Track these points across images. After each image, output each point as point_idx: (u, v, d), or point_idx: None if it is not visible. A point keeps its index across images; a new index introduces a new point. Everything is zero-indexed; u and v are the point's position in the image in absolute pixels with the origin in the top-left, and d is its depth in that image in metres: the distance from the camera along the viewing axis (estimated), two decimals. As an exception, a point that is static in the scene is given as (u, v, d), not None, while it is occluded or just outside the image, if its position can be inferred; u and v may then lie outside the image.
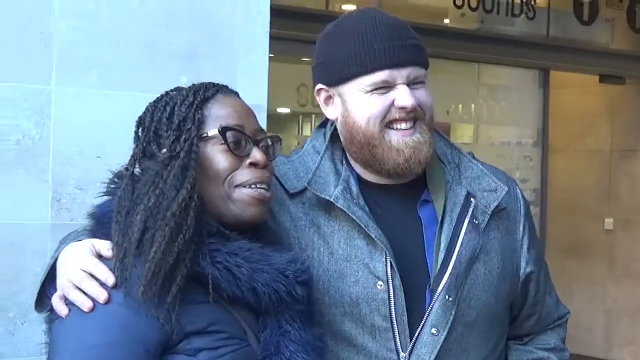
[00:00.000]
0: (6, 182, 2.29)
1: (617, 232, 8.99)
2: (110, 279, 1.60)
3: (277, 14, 2.76)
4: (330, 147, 2.04)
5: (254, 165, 1.75)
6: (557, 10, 8.30)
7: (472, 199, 1.99)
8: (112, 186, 1.76)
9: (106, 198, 1.75)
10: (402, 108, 1.90)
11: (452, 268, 1.92)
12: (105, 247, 1.66)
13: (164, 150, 1.71)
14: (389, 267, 1.90)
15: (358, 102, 1.93)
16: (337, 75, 1.95)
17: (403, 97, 1.90)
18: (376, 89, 1.91)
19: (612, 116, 9.09)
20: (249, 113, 1.81)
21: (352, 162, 2.02)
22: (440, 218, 1.97)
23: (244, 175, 1.74)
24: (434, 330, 1.90)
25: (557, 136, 8.75)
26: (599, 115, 9.12)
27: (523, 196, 2.15)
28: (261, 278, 1.67)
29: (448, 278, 1.91)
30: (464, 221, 1.96)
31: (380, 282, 1.90)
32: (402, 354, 1.90)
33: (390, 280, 1.90)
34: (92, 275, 1.62)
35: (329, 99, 2.00)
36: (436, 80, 6.58)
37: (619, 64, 8.54)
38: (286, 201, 1.98)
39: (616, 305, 8.99)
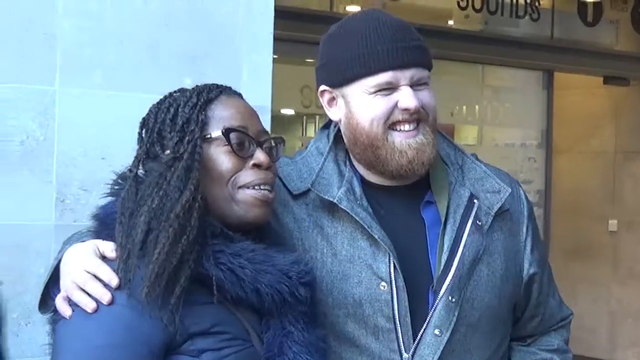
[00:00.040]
0: (10, 182, 2.29)
1: (621, 233, 8.98)
2: (113, 280, 1.61)
3: (281, 14, 2.76)
4: (334, 148, 2.04)
5: (257, 166, 1.75)
6: (561, 11, 8.29)
7: (475, 200, 1.99)
8: (116, 187, 1.76)
9: (110, 199, 1.76)
10: (405, 109, 1.90)
11: (455, 269, 1.92)
12: (109, 248, 1.66)
13: (167, 152, 1.71)
14: (391, 267, 1.90)
15: (361, 103, 1.93)
16: (340, 76, 1.95)
17: (406, 98, 1.90)
18: (379, 90, 1.91)
19: (616, 117, 9.08)
20: (252, 114, 1.81)
21: (355, 163, 2.01)
22: (443, 219, 1.97)
23: (247, 176, 1.74)
24: (436, 331, 1.90)
25: (561, 137, 8.74)
26: (603, 117, 9.11)
27: (526, 197, 2.14)
28: (264, 279, 1.67)
29: (451, 279, 1.91)
30: (467, 222, 1.96)
31: (383, 283, 1.90)
32: (404, 355, 1.90)
33: (393, 281, 1.90)
34: (95, 276, 1.62)
35: (332, 100, 2.00)
36: (440, 81, 6.56)
37: (623, 65, 8.53)
38: (289, 202, 1.98)
39: (620, 307, 8.97)
